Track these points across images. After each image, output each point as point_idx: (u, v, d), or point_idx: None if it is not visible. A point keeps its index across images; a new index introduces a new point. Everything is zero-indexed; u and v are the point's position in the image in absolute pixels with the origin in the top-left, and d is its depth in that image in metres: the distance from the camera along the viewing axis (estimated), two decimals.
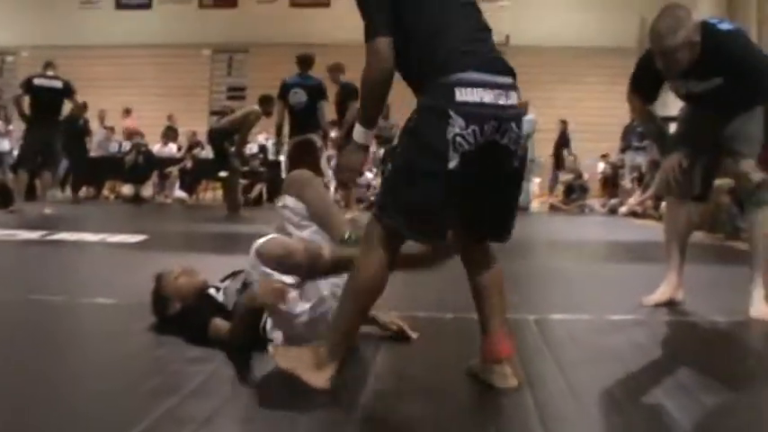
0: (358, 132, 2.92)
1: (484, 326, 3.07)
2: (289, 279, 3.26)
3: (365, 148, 2.97)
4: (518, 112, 2.84)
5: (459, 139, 2.69)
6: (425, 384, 3.04)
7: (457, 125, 2.69)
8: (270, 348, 3.19)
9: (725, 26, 4.23)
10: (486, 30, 2.97)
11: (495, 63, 2.85)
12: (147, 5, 22.17)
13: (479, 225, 3.01)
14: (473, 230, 3.03)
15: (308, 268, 3.29)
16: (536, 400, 2.83)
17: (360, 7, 2.87)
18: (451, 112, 2.69)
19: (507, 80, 2.83)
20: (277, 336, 3.36)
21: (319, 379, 2.80)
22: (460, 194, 2.81)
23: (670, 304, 4.69)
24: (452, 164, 2.70)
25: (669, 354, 3.89)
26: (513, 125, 2.80)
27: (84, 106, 11.57)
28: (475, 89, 2.72)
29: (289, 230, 3.54)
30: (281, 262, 3.24)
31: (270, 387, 2.97)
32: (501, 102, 2.76)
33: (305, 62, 10.84)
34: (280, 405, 2.73)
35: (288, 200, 3.56)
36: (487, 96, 2.74)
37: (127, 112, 18.81)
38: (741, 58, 4.12)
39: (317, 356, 2.85)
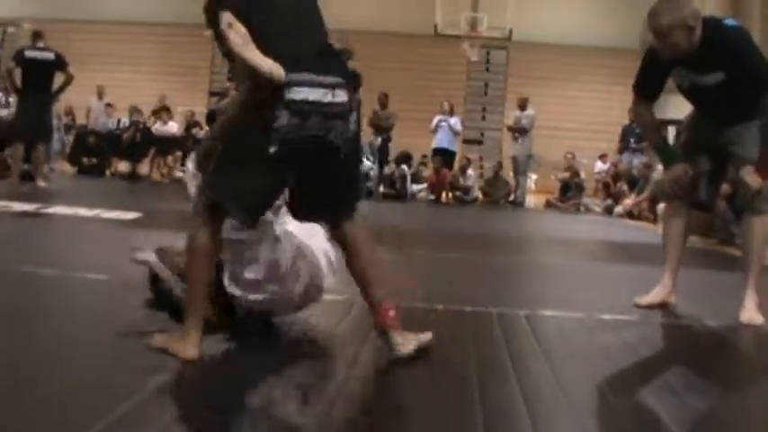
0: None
1: (369, 301, 3.28)
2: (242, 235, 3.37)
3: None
4: (343, 110, 3.03)
5: (283, 128, 2.90)
6: (410, 376, 3.03)
7: (283, 118, 2.89)
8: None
9: (730, 22, 4.30)
10: (320, 30, 3.22)
11: (323, 64, 3.03)
12: None
13: (309, 207, 3.27)
14: (303, 210, 3.29)
15: None
16: (524, 395, 2.83)
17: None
18: (278, 107, 2.89)
19: (335, 79, 3.01)
20: (233, 290, 3.41)
21: (187, 349, 2.96)
22: (281, 183, 3.14)
23: (662, 306, 4.69)
24: (273, 149, 2.90)
25: (658, 354, 3.90)
26: (339, 122, 3.02)
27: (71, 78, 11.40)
28: (302, 88, 2.92)
29: None
30: None
31: (261, 363, 2.97)
32: (326, 99, 2.97)
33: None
34: (271, 384, 2.73)
35: None
36: (313, 95, 2.94)
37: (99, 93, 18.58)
38: (743, 53, 4.19)
39: (184, 329, 3.04)
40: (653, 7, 4.19)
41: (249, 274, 3.39)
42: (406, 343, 3.18)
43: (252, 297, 3.40)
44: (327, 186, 3.21)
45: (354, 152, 3.22)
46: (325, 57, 3.08)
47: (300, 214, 3.33)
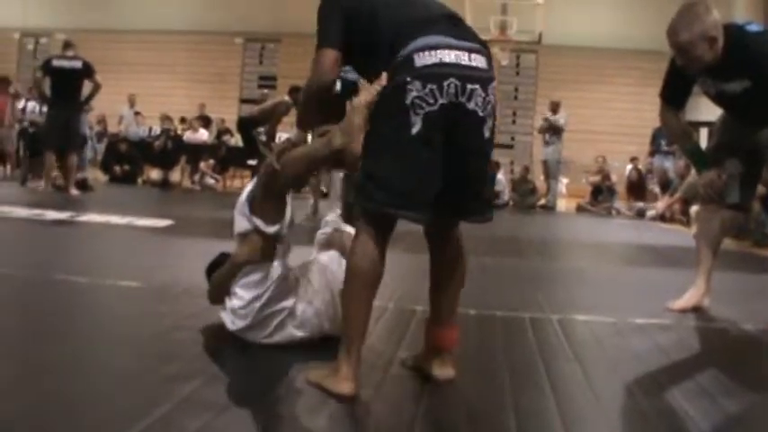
0: (294, 132, 3.13)
1: (436, 315, 3.04)
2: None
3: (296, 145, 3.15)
4: (483, 76, 2.75)
5: (417, 101, 2.65)
6: (443, 383, 3.01)
7: (414, 89, 2.64)
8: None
9: (753, 27, 4.19)
10: (446, 6, 2.94)
11: (459, 31, 2.80)
12: None
13: (450, 197, 2.84)
14: (443, 204, 2.84)
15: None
16: (557, 401, 2.81)
17: (317, 16, 2.91)
18: (408, 79, 2.65)
19: (471, 44, 2.77)
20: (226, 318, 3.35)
21: (342, 384, 2.71)
22: (434, 164, 2.73)
23: (696, 310, 4.65)
24: (416, 128, 2.66)
25: (693, 359, 3.86)
26: (479, 87, 2.72)
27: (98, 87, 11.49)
28: (434, 51, 2.68)
29: None
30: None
31: (291, 376, 2.96)
32: (463, 62, 2.70)
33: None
34: (301, 395, 2.72)
35: None
36: (447, 57, 2.68)
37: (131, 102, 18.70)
38: None
39: (336, 361, 2.79)
40: (671, 24, 4.09)
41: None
42: (451, 367, 2.99)
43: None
44: (471, 174, 2.84)
45: (493, 134, 2.84)
46: (455, 23, 2.85)
47: (441, 212, 2.86)
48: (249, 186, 3.44)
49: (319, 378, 2.79)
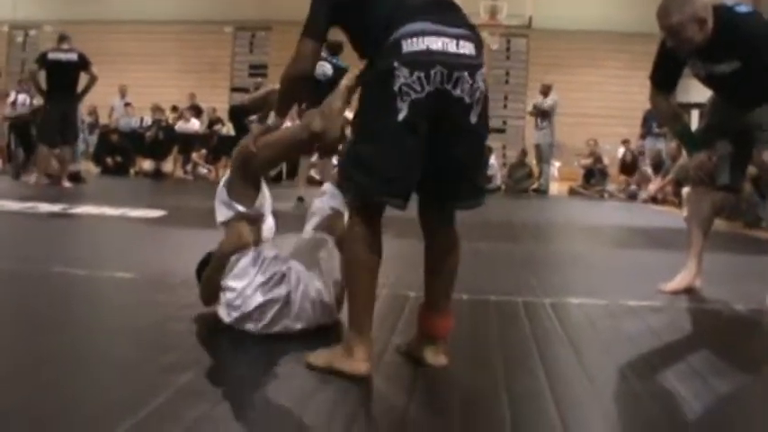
0: (271, 117, 3.22)
1: (430, 301, 3.05)
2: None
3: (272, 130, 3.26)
4: (472, 63, 2.76)
5: (404, 88, 2.66)
6: (437, 369, 3.03)
7: (402, 75, 2.66)
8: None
9: (742, 8, 4.22)
10: None
11: (446, 15, 2.80)
12: None
13: (439, 184, 2.89)
14: (431, 190, 2.90)
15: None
16: (551, 384, 2.83)
17: (311, 5, 2.94)
18: (396, 64, 2.67)
19: (459, 30, 2.76)
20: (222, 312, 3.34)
21: (357, 365, 2.75)
22: (419, 151, 2.75)
23: (688, 291, 4.68)
24: (402, 114, 2.67)
25: (685, 340, 3.89)
26: (467, 74, 2.73)
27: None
28: (421, 38, 2.68)
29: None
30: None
31: (287, 364, 2.98)
32: (450, 50, 2.71)
33: (333, 48, 10.55)
34: (297, 383, 2.74)
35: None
36: (434, 44, 2.69)
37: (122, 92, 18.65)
38: (758, 40, 4.11)
39: (346, 344, 2.83)
40: (660, 6, 4.12)
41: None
42: (444, 355, 3.01)
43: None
44: (459, 160, 2.84)
45: (484, 119, 2.85)
46: (445, 8, 2.83)
47: (432, 197, 2.93)
48: (227, 175, 3.48)
49: (329, 361, 2.82)
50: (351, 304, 2.88)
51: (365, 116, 2.79)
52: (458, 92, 2.72)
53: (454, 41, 2.73)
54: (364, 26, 2.86)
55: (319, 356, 2.87)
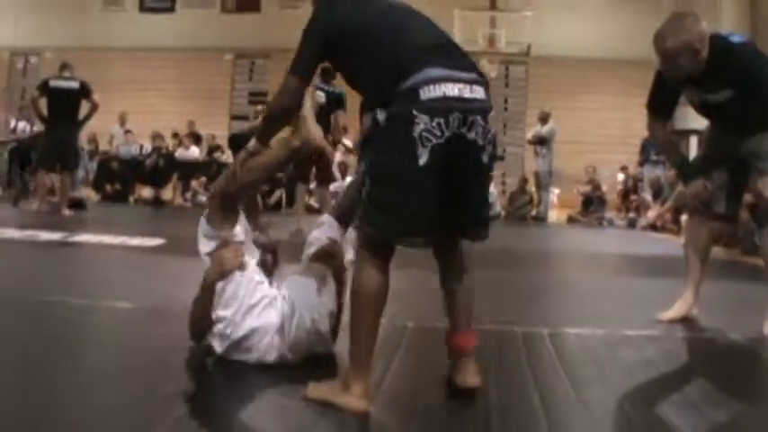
0: (252, 143, 3.28)
1: (453, 322, 3.18)
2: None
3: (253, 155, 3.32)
4: (483, 106, 2.85)
5: (425, 134, 2.72)
6: (430, 395, 3.04)
7: (422, 122, 2.71)
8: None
9: (736, 38, 4.28)
10: (443, 32, 3.04)
11: (456, 59, 2.88)
12: (171, 9, 22.28)
13: (451, 220, 2.96)
14: (445, 226, 2.97)
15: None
16: (547, 414, 2.85)
17: (301, 35, 3.02)
18: (416, 113, 2.72)
19: (471, 75, 2.85)
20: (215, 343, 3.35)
21: (355, 401, 2.77)
22: (437, 192, 2.81)
23: (685, 320, 4.69)
24: (423, 160, 2.72)
25: (682, 370, 3.90)
26: (480, 118, 2.82)
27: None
28: (437, 85, 2.75)
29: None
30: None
31: (285, 395, 2.99)
32: (465, 95, 2.79)
33: (326, 75, 10.53)
34: (294, 416, 2.75)
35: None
36: (450, 90, 2.76)
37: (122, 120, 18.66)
38: (752, 70, 4.16)
39: (344, 379, 2.85)
40: (658, 30, 4.18)
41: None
42: (476, 374, 3.08)
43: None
44: (470, 197, 2.96)
45: (493, 160, 2.97)
46: (453, 52, 2.93)
47: (444, 231, 3.00)
48: (206, 211, 3.53)
49: (327, 394, 2.83)
50: (353, 339, 2.88)
51: (383, 161, 2.82)
52: (472, 135, 2.81)
53: (468, 87, 2.81)
54: (366, 64, 2.92)
55: (317, 390, 2.88)
